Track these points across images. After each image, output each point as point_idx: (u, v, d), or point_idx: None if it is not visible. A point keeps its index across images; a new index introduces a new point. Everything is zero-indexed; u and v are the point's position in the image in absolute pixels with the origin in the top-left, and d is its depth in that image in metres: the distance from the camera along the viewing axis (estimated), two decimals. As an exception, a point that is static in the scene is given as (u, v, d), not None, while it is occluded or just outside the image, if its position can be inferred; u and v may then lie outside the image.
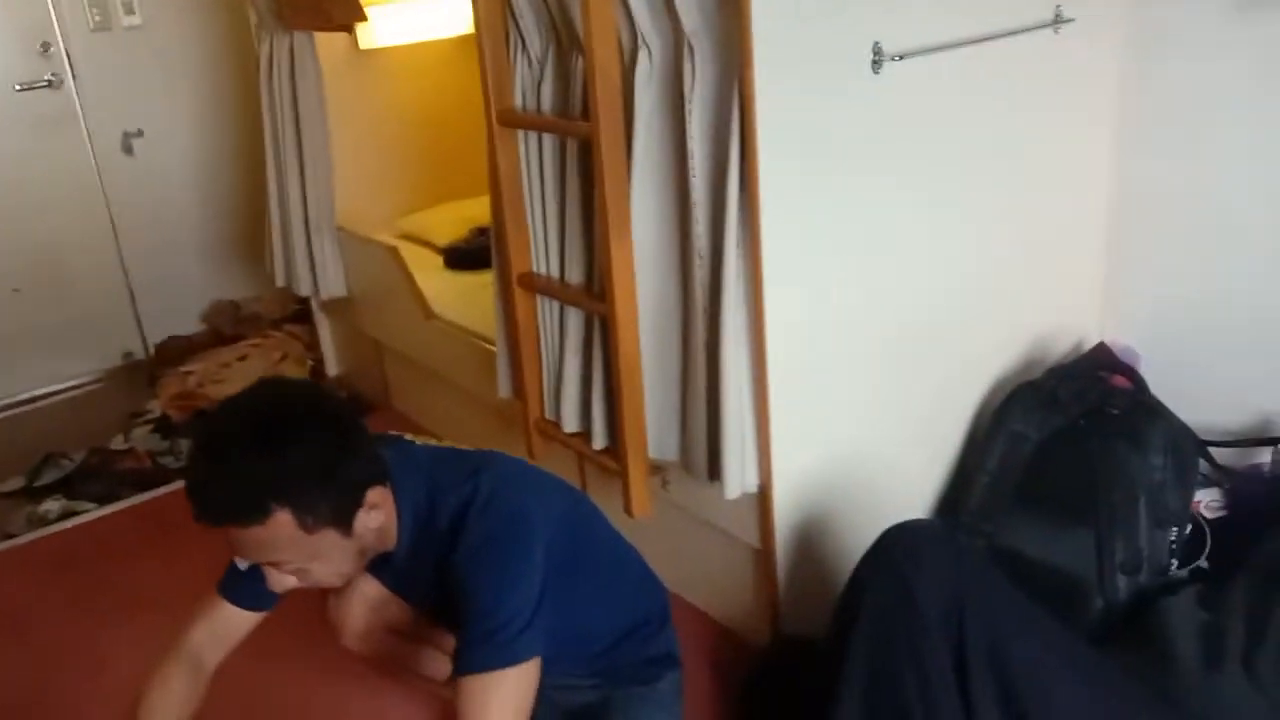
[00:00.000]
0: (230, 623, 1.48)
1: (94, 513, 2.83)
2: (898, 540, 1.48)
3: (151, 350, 3.84)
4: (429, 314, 2.72)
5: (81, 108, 3.57)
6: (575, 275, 2.00)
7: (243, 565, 1.35)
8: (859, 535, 1.51)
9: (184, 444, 3.13)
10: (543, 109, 1.90)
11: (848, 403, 1.83)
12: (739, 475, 1.78)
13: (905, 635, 1.41)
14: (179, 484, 2.85)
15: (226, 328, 3.86)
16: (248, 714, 1.88)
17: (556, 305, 2.06)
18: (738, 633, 2.04)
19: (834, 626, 1.58)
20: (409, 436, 1.54)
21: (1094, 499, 1.84)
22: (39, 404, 3.64)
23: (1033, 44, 1.89)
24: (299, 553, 1.26)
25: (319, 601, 1.65)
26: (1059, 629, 1.49)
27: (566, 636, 1.53)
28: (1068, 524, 1.86)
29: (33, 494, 2.96)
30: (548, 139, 1.95)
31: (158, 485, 2.90)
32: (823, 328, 1.75)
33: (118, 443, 3.16)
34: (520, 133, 1.98)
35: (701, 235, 1.72)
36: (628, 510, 1.99)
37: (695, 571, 2.14)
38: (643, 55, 1.68)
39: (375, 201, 3.24)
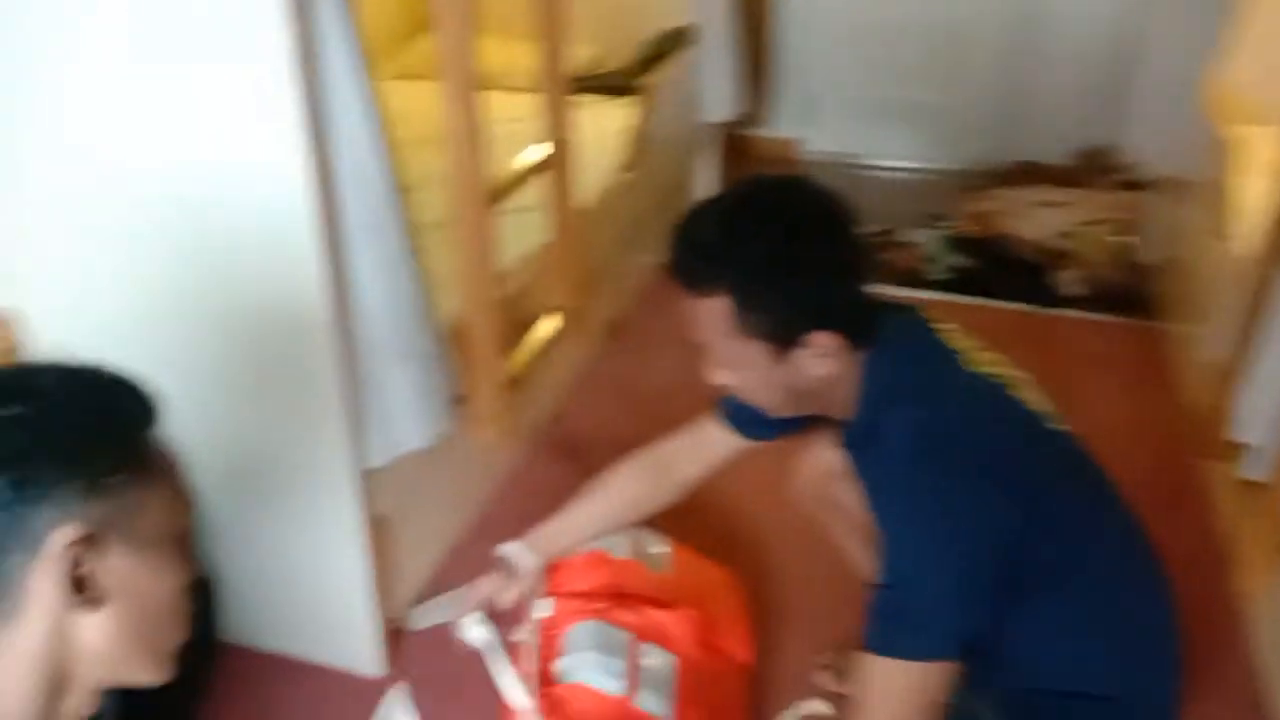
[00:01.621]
0: (713, 440, 1.46)
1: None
2: None
3: (1010, 165, 3.75)
4: (1222, 231, 2.15)
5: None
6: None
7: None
8: None
9: (958, 261, 3.09)
10: None
11: None
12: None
13: None
14: (923, 294, 2.87)
15: (1085, 172, 3.56)
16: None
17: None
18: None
19: None
20: (948, 326, 1.26)
21: None
22: (886, 174, 3.90)
23: None
24: (725, 349, 1.17)
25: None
26: None
27: (992, 659, 1.21)
28: None
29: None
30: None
31: (909, 285, 2.93)
32: None
33: (904, 234, 3.25)
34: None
35: None
36: (1239, 580, 1.45)
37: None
38: None
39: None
